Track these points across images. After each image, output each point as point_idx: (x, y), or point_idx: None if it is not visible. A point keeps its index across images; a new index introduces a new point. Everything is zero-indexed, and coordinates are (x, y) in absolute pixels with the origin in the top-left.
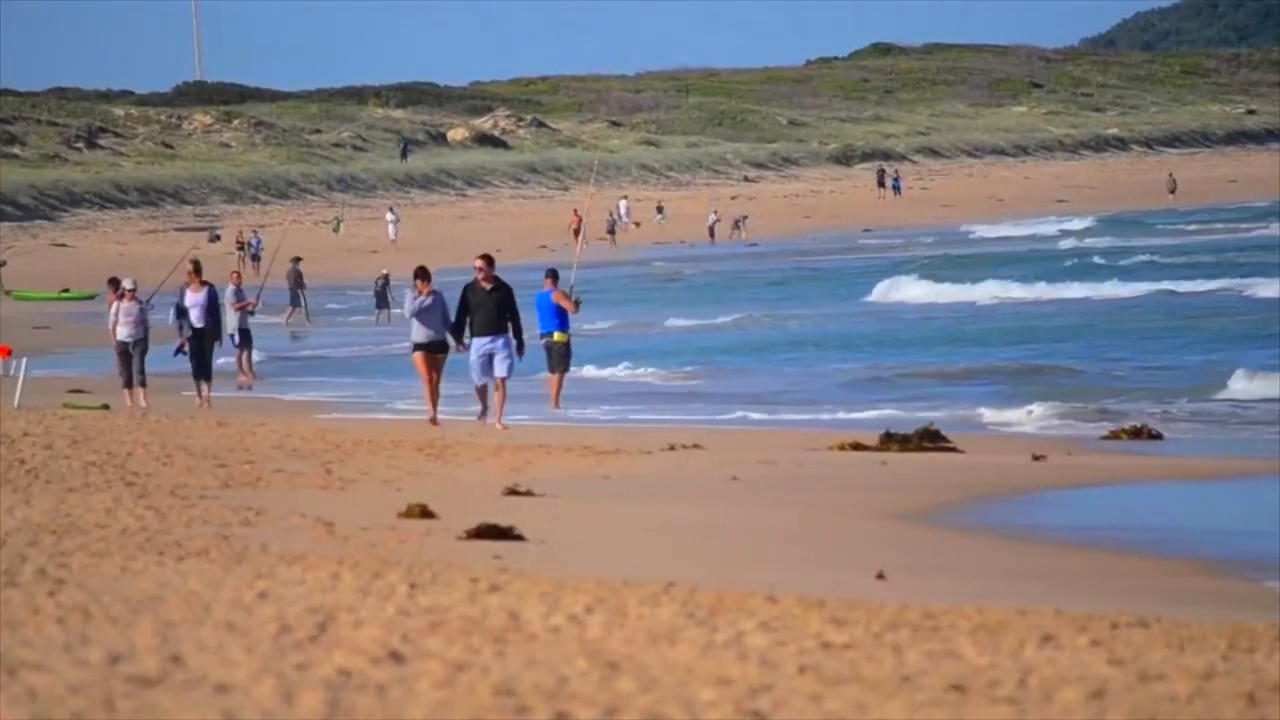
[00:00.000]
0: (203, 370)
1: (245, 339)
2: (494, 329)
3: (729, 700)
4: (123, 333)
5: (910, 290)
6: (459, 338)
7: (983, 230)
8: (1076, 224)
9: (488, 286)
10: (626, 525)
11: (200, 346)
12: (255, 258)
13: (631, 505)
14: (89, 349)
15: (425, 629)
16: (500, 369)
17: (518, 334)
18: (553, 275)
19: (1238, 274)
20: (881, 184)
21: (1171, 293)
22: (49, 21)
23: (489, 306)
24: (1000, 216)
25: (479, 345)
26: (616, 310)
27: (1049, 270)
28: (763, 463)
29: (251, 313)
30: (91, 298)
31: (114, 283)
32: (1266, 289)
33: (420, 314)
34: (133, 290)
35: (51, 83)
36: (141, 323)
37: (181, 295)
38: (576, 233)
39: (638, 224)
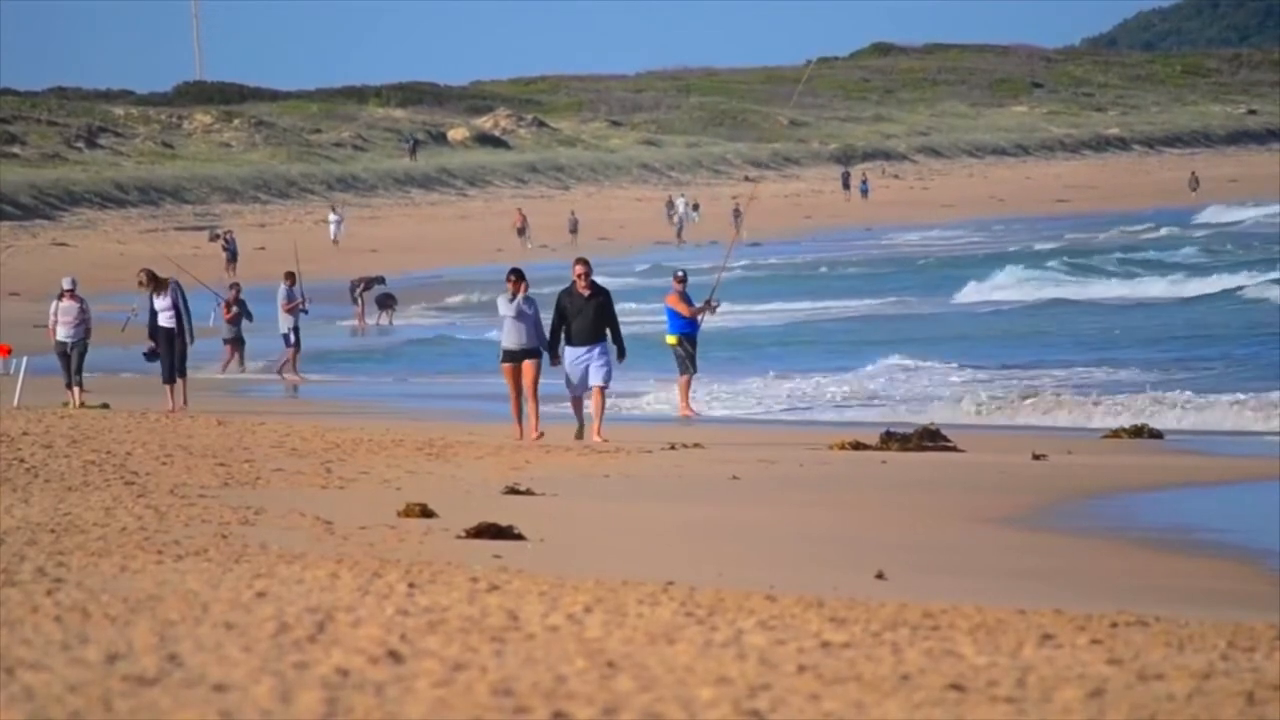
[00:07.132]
0: (171, 373)
1: (295, 339)
2: (592, 338)
3: (728, 699)
4: (62, 333)
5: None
6: (554, 350)
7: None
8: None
9: (586, 293)
10: (626, 524)
11: (170, 349)
12: (232, 257)
13: (631, 504)
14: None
15: (424, 628)
16: (596, 377)
17: (617, 339)
18: (679, 277)
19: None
20: (846, 186)
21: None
22: (49, 21)
23: (588, 314)
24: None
25: (575, 356)
26: None
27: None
28: (762, 462)
29: (305, 311)
30: None
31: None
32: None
33: (514, 318)
34: (72, 290)
35: (51, 82)
36: (82, 323)
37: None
38: (520, 232)
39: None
